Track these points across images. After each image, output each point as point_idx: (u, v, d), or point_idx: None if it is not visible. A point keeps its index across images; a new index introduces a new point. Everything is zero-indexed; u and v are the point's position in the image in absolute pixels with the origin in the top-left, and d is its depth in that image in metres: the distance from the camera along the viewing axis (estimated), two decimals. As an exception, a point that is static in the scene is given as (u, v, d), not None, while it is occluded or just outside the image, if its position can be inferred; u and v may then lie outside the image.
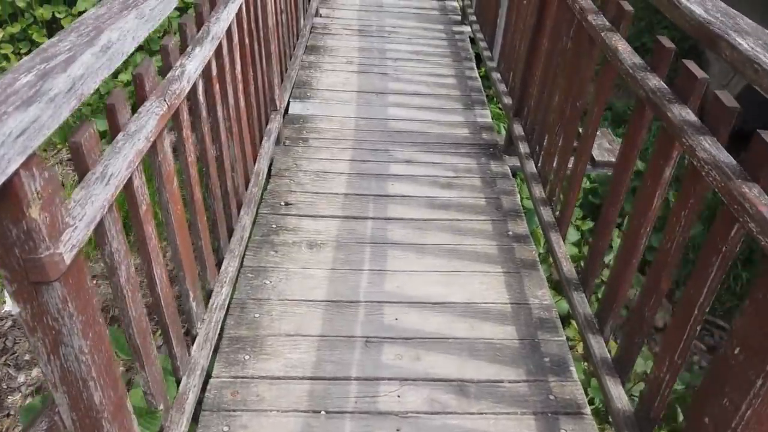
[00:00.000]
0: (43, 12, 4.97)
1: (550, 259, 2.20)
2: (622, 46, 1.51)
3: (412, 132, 3.01)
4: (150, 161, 1.30)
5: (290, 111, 3.13)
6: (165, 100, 1.23)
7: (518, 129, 2.64)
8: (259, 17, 2.39)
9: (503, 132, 3.54)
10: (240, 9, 2.03)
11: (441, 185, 2.62)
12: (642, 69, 1.39)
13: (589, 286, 1.75)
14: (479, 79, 3.62)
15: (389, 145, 2.89)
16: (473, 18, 3.95)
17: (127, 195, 1.17)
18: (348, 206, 2.45)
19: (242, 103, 2.10)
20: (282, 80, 3.00)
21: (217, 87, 1.76)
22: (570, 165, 2.03)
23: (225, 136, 1.84)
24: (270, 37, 2.51)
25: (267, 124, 2.61)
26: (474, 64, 3.81)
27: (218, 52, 1.79)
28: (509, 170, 2.74)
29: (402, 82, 3.50)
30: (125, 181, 1.07)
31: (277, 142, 2.80)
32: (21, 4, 5.00)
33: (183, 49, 1.49)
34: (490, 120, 3.17)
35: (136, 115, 1.14)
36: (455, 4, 4.74)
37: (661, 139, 1.30)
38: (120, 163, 1.02)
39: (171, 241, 1.44)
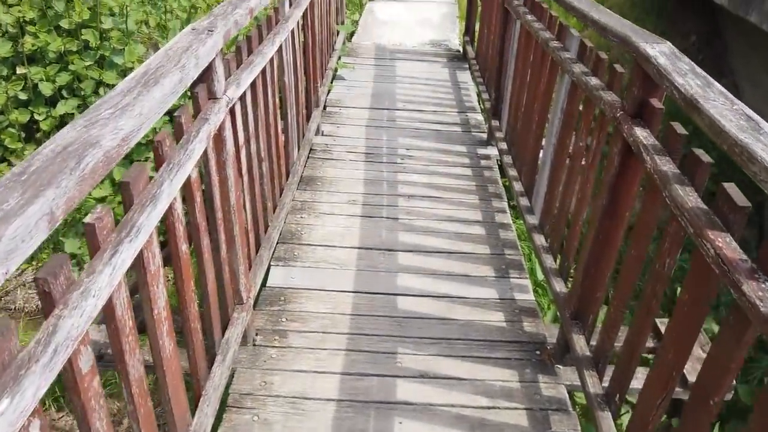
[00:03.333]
0: (19, 116, 4.44)
1: None
2: None
3: (430, 319, 2.25)
4: None
5: (269, 281, 2.40)
6: None
7: (580, 343, 1.86)
8: (216, 197, 1.70)
9: (544, 279, 2.78)
10: (171, 208, 1.34)
11: (471, 426, 1.82)
12: None
13: None
14: (513, 227, 2.89)
15: (398, 344, 2.12)
16: (503, 146, 3.27)
17: None
18: (333, 472, 1.65)
19: (168, 350, 1.36)
20: (258, 250, 2.29)
21: (96, 381, 1.02)
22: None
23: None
24: (234, 215, 1.81)
25: (225, 331, 1.87)
26: (505, 204, 3.10)
27: (109, 308, 1.08)
28: (566, 395, 1.94)
29: (417, 233, 2.78)
30: None
31: (244, 340, 2.05)
32: (-8, 108, 4.48)
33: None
34: (532, 297, 2.40)
35: None
36: (479, 117, 4.10)
37: None
38: None
39: None
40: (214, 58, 1.55)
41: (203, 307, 1.73)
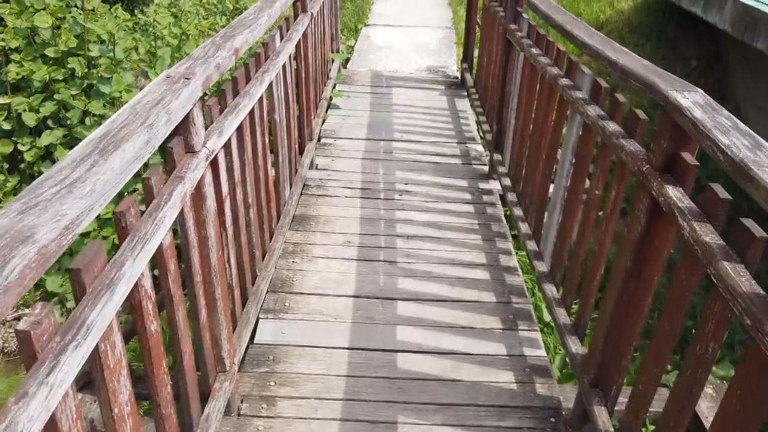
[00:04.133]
0: (2, 146, 4.26)
1: None
2: None
3: (433, 380, 2.05)
4: None
5: (257, 337, 2.20)
6: None
7: (602, 416, 1.66)
8: (194, 260, 1.51)
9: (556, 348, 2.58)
10: (137, 285, 1.15)
11: None
12: None
13: None
14: (519, 271, 2.71)
15: (398, 412, 1.92)
16: (507, 182, 3.11)
17: None
18: None
19: (132, 452, 1.17)
20: (244, 305, 2.10)
21: None
22: None
23: None
24: (215, 277, 1.63)
25: (206, 405, 1.67)
26: (510, 245, 2.92)
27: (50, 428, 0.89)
28: (586, 472, 1.75)
29: (417, 279, 2.59)
30: None
31: (228, 410, 1.85)
32: (-29, 140, 4.30)
33: None
34: (544, 354, 2.21)
35: None
36: (480, 148, 3.94)
37: None
38: None
39: None
40: (192, 109, 1.38)
41: (177, 377, 1.54)
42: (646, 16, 6.86)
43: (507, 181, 3.12)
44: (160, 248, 1.28)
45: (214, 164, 1.66)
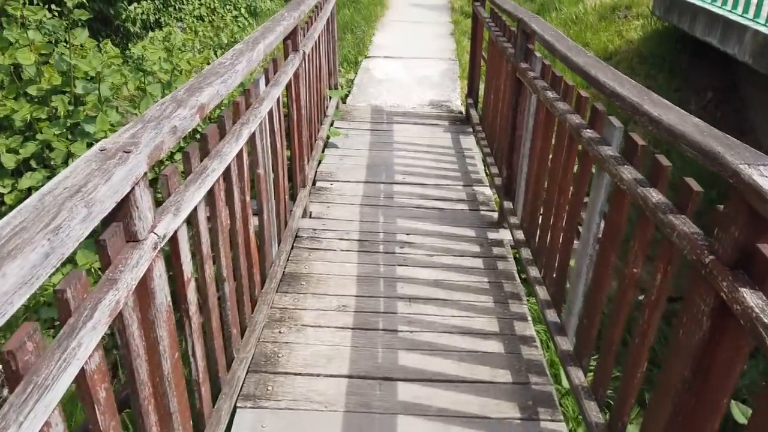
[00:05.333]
0: (-18, 189, 4.00)
1: None
2: None
3: (439, 490, 1.72)
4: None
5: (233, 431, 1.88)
6: None
7: None
8: (140, 370, 1.20)
9: None
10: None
11: None
12: None
13: None
14: (537, 341, 2.38)
15: None
16: (520, 235, 2.80)
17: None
18: None
19: None
20: (215, 402, 1.78)
21: None
22: None
23: None
24: (170, 386, 1.31)
25: None
26: (525, 308, 2.59)
27: None
28: None
29: (420, 353, 2.26)
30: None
31: None
32: (-50, 183, 4.04)
33: None
34: (571, 452, 1.88)
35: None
36: (488, 191, 3.65)
37: None
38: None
39: None
40: (132, 189, 1.09)
41: None
42: (657, 45, 6.62)
43: (520, 234, 2.81)
44: (82, 374, 0.97)
45: (173, 243, 1.36)
